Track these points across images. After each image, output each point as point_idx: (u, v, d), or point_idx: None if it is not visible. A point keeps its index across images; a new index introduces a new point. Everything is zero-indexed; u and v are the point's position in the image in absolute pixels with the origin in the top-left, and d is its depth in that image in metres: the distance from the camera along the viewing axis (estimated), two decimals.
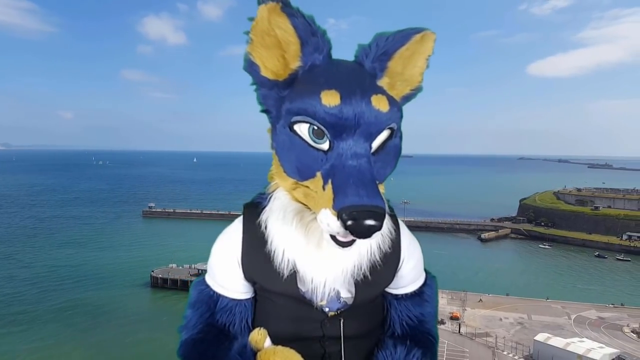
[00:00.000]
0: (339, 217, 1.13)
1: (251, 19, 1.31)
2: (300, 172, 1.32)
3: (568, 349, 37.15)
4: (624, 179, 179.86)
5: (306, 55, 1.34)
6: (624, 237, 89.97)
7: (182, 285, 62.55)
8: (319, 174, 1.27)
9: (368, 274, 1.47)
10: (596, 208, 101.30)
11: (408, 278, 1.67)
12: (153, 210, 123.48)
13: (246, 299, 1.60)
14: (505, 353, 40.45)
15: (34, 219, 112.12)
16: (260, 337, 1.45)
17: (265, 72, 1.36)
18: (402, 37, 1.34)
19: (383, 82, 1.39)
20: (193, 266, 66.27)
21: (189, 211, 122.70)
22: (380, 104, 1.25)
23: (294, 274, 1.45)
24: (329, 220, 1.17)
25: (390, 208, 1.55)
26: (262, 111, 1.44)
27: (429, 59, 1.43)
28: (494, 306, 52.04)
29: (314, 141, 1.27)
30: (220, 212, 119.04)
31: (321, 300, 1.48)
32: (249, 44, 1.34)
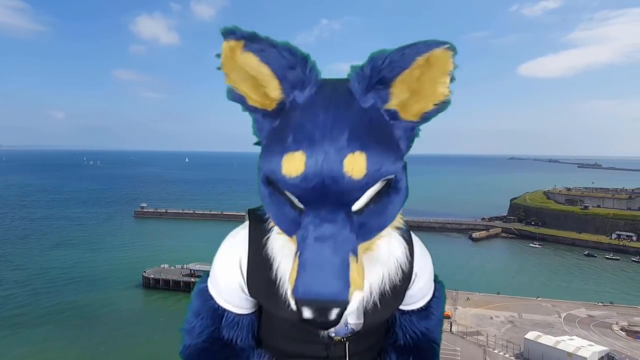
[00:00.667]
0: (297, 305, 1.01)
1: (218, 56, 1.13)
2: (282, 229, 1.18)
3: (558, 347, 37.54)
4: (613, 179, 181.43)
5: (287, 90, 1.13)
6: (613, 236, 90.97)
7: (174, 286, 62.46)
8: (294, 237, 1.12)
9: (378, 301, 1.37)
10: (586, 207, 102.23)
11: (417, 296, 1.59)
12: (145, 210, 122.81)
13: (252, 313, 1.52)
14: (496, 351, 40.76)
15: (24, 219, 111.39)
16: None
17: (252, 102, 1.19)
18: (402, 59, 1.05)
19: (391, 106, 1.13)
20: (185, 266, 66.11)
21: (181, 211, 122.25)
22: (354, 167, 1.00)
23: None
24: (292, 305, 1.03)
25: (406, 227, 1.47)
26: (256, 144, 1.24)
27: (452, 72, 1.10)
28: (485, 305, 52.37)
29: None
30: (212, 212, 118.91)
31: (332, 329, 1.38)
32: (225, 78, 1.17)
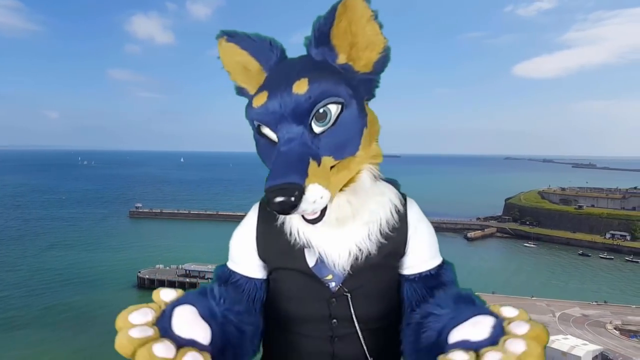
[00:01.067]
0: (266, 197, 1.25)
1: (218, 58, 1.57)
2: (267, 164, 1.44)
3: (552, 346, 37.70)
4: (607, 179, 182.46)
5: (265, 67, 1.52)
6: (607, 235, 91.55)
7: (169, 286, 60.21)
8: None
9: (374, 244, 1.51)
10: (580, 207, 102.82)
11: (419, 256, 1.62)
12: (140, 210, 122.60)
13: (257, 279, 1.64)
14: None
15: (19, 220, 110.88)
16: None
17: (252, 92, 1.50)
18: (329, 14, 1.36)
19: (341, 60, 1.45)
20: (180, 267, 66.11)
21: (176, 211, 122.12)
22: (299, 87, 1.32)
23: (302, 250, 1.53)
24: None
25: (396, 184, 1.69)
26: None
27: (375, 18, 1.38)
28: None
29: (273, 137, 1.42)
30: (208, 213, 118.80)
31: (328, 275, 1.53)
32: (229, 76, 1.60)
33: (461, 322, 1.17)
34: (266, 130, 1.42)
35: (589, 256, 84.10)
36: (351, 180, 1.48)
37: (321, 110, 1.34)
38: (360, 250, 1.50)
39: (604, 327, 48.46)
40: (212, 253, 74.95)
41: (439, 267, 1.64)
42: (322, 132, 1.36)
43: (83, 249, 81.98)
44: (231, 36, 1.52)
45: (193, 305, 1.26)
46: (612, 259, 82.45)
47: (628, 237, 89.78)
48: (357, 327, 1.54)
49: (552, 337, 39.28)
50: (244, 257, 1.65)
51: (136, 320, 1.16)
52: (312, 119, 1.35)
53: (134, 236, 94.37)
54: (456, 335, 1.14)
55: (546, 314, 51.59)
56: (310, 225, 1.40)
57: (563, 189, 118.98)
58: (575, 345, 38.14)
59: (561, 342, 38.57)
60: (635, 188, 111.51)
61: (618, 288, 65.76)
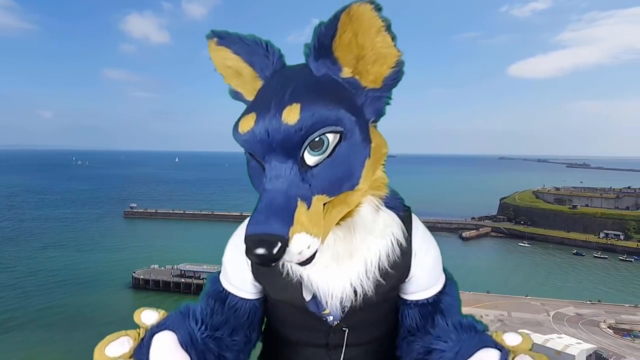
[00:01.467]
0: (246, 245, 1.10)
1: (210, 59, 1.41)
2: (257, 189, 1.29)
3: (547, 345, 37.86)
4: (601, 178, 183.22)
5: (261, 74, 1.36)
6: (601, 235, 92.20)
7: (164, 286, 62.26)
8: None
9: (372, 282, 1.41)
10: (574, 207, 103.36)
11: (419, 285, 1.54)
12: (135, 210, 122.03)
13: (255, 299, 1.57)
14: None
15: (13, 220, 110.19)
16: None
17: (248, 97, 1.40)
18: (331, 24, 1.17)
19: (346, 73, 1.26)
20: (175, 267, 65.93)
21: (171, 211, 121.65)
22: (289, 116, 1.14)
23: (299, 285, 1.44)
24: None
25: (403, 205, 1.54)
26: None
27: (386, 28, 1.19)
28: (475, 303, 52.68)
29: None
30: (203, 213, 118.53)
31: (325, 310, 1.45)
32: (223, 78, 1.44)
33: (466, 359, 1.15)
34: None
35: (583, 255, 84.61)
36: (349, 214, 1.33)
37: (317, 139, 1.16)
38: (355, 290, 1.40)
39: (598, 326, 48.75)
40: (207, 253, 74.82)
41: (440, 292, 1.57)
42: (317, 165, 1.18)
43: (77, 250, 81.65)
44: (222, 38, 1.36)
45: (173, 331, 1.21)
46: (606, 258, 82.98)
47: (622, 237, 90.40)
48: (342, 356, 1.50)
49: (546, 336, 39.69)
50: (240, 280, 1.55)
51: (113, 353, 1.14)
52: (304, 150, 1.17)
53: (128, 236, 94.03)
54: None
55: (540, 313, 51.88)
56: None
57: (557, 189, 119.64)
58: (569, 344, 38.30)
59: (555, 341, 38.74)
60: (628, 188, 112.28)
61: (612, 287, 66.19)
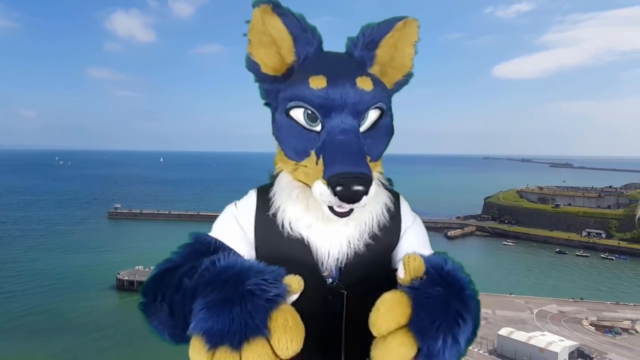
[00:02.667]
0: (329, 184, 1.24)
1: (248, 22, 1.46)
2: (297, 153, 1.44)
3: (530, 342, 38.44)
4: (584, 178, 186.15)
5: (299, 50, 1.49)
6: (583, 233, 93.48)
7: None
8: (312, 152, 1.40)
9: (370, 241, 1.52)
10: (557, 206, 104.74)
11: (411, 249, 1.55)
12: (119, 211, 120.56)
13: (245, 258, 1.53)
14: (470, 348, 41.36)
15: None
16: (295, 285, 1.25)
17: (265, 69, 1.51)
18: (386, 25, 1.45)
19: (374, 70, 1.50)
20: None
21: (156, 212, 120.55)
22: (364, 84, 1.36)
23: (301, 245, 1.50)
24: (320, 190, 1.29)
25: (389, 182, 1.69)
26: (265, 104, 1.60)
27: (416, 45, 1.52)
28: None
29: (308, 124, 1.40)
30: (189, 213, 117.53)
31: (326, 271, 1.51)
32: (248, 45, 1.50)
33: None
34: (299, 115, 1.41)
35: (566, 254, 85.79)
36: None
37: (370, 111, 1.40)
38: (350, 247, 1.50)
39: (580, 323, 49.48)
40: None
41: None
42: (364, 132, 1.41)
43: (61, 251, 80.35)
44: (277, 7, 1.44)
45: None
46: (588, 256, 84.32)
47: (603, 235, 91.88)
48: (343, 329, 1.51)
49: (529, 334, 40.24)
50: (237, 237, 1.56)
51: None
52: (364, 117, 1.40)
53: (112, 237, 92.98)
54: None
55: (524, 311, 52.52)
56: (305, 219, 1.46)
57: (541, 188, 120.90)
58: (552, 341, 38.87)
59: (538, 338, 39.30)
60: (610, 187, 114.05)
61: (594, 285, 67.26)
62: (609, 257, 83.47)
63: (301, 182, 1.49)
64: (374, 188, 1.28)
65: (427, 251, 1.63)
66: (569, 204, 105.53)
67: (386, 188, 1.65)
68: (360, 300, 1.48)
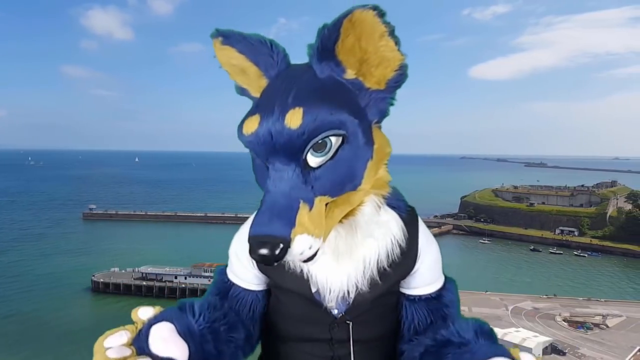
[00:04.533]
0: (249, 245, 1.14)
1: (214, 57, 1.41)
2: (261, 187, 1.31)
3: (505, 338, 38.97)
4: (557, 177, 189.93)
5: (265, 74, 1.36)
6: (557, 231, 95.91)
7: (125, 290, 60.91)
8: None
9: (370, 280, 1.44)
10: (531, 204, 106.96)
11: (423, 279, 1.58)
12: (94, 212, 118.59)
13: (259, 291, 1.60)
14: None
15: None
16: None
17: (254, 93, 1.39)
18: (333, 28, 1.18)
19: (350, 75, 1.28)
20: (137, 269, 64.59)
21: (132, 213, 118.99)
22: (292, 119, 1.15)
23: (302, 278, 1.46)
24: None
25: (400, 199, 1.57)
26: None
27: (389, 33, 1.21)
28: None
29: None
30: (166, 214, 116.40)
31: (330, 302, 1.46)
32: (229, 75, 1.44)
33: None
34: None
35: (540, 251, 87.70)
36: (351, 213, 1.35)
37: (320, 141, 1.18)
38: (352, 284, 1.43)
39: (554, 319, 50.60)
40: (170, 255, 73.62)
41: (441, 288, 1.61)
42: (319, 166, 1.20)
43: (34, 253, 78.90)
44: (226, 37, 1.36)
45: (170, 322, 1.21)
46: (561, 253, 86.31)
47: (576, 233, 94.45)
48: (352, 350, 1.50)
49: (504, 330, 40.89)
50: (244, 271, 1.58)
51: (112, 343, 1.14)
52: (307, 152, 1.19)
53: (87, 239, 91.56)
54: None
55: (500, 308, 53.39)
56: None
57: (515, 187, 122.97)
58: (526, 337, 39.67)
59: (513, 334, 39.98)
60: (582, 186, 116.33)
61: (567, 281, 68.97)
62: (581, 254, 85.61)
63: None
64: (304, 245, 1.12)
65: (439, 280, 1.62)
66: (543, 203, 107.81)
67: (396, 207, 1.53)
68: (368, 326, 1.52)
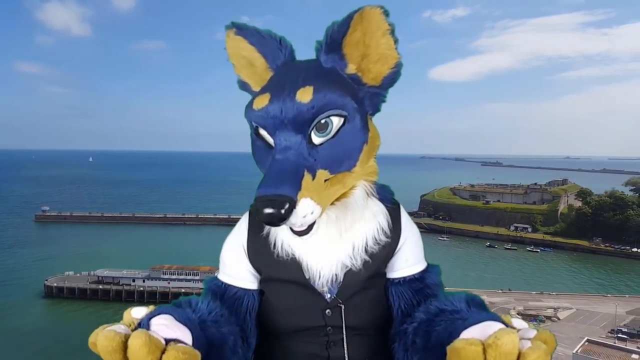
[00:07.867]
0: (256, 206, 1.20)
1: (225, 49, 1.56)
2: (261, 168, 1.43)
3: None
4: (512, 175, 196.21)
5: (272, 66, 1.50)
6: (511, 228, 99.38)
7: (80, 294, 59.14)
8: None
9: (359, 262, 1.51)
10: (487, 202, 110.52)
11: (406, 259, 1.66)
12: (47, 214, 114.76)
13: (253, 290, 1.62)
14: None
15: None
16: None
17: (255, 87, 1.53)
18: (344, 22, 1.34)
19: (350, 70, 1.43)
20: (92, 273, 62.66)
21: (87, 214, 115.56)
22: (303, 95, 1.28)
23: (294, 264, 1.52)
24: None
25: (387, 190, 1.69)
26: None
27: (391, 32, 1.37)
28: None
29: (269, 141, 1.39)
30: (123, 215, 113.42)
31: (322, 287, 1.52)
32: (234, 68, 1.58)
33: (473, 324, 1.14)
34: (264, 133, 1.39)
35: (496, 247, 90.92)
36: (343, 196, 1.45)
37: (323, 121, 1.31)
38: (342, 267, 1.50)
39: (508, 313, 51.83)
40: (127, 257, 71.80)
41: (424, 270, 1.67)
42: (321, 144, 1.33)
43: None
44: (240, 29, 1.51)
45: (169, 314, 1.19)
46: (515, 249, 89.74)
47: (529, 229, 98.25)
48: (345, 336, 1.54)
49: None
50: (238, 269, 1.62)
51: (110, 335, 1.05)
52: (312, 129, 1.32)
53: (40, 242, 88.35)
54: (467, 334, 1.11)
55: None
56: (296, 238, 1.38)
57: (472, 186, 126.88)
58: None
59: None
60: (535, 184, 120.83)
61: (521, 276, 71.47)
62: (534, 250, 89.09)
63: None
64: (308, 208, 1.23)
65: (422, 263, 1.69)
66: (498, 201, 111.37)
67: (383, 199, 1.64)
68: (359, 310, 1.56)
